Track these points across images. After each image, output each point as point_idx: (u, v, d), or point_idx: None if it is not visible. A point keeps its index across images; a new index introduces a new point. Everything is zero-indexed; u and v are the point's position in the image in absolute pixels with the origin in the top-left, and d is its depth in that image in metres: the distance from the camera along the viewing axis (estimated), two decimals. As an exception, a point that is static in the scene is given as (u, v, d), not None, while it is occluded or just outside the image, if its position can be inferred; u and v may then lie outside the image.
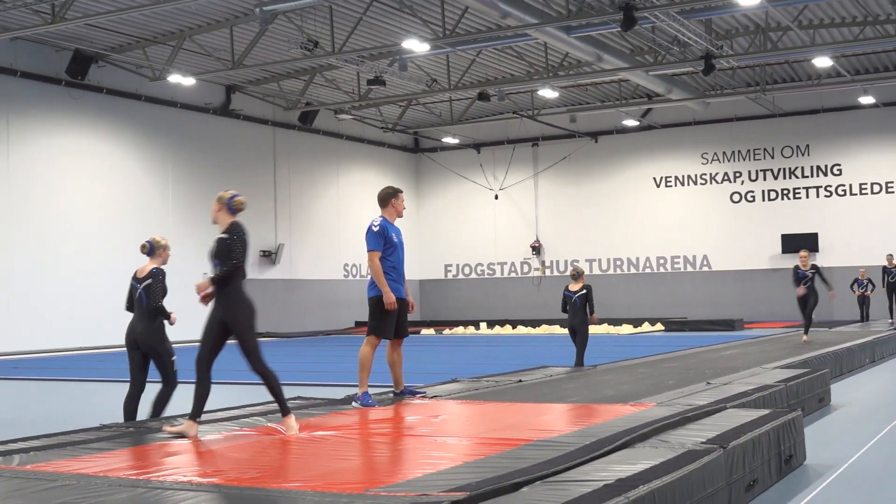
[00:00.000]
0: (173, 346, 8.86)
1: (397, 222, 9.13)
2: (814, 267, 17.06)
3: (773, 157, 33.31)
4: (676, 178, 34.55)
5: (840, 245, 31.95)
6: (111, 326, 23.55)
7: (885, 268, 26.06)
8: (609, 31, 23.88)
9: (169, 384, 8.81)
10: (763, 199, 33.36)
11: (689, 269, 34.20)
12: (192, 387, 7.22)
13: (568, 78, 28.77)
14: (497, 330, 31.94)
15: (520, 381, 10.81)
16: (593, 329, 14.17)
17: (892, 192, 31.58)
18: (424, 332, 31.85)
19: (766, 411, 7.53)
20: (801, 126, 32.76)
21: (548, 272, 36.26)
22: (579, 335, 13.55)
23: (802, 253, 17.34)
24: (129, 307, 8.93)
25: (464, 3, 21.25)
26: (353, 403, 8.67)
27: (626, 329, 29.46)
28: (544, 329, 30.93)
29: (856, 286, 26.80)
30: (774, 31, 25.34)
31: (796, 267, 17.12)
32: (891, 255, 26.44)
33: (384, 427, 7.66)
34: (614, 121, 34.36)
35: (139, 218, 26.54)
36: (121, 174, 26.68)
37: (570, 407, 8.35)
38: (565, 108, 33.67)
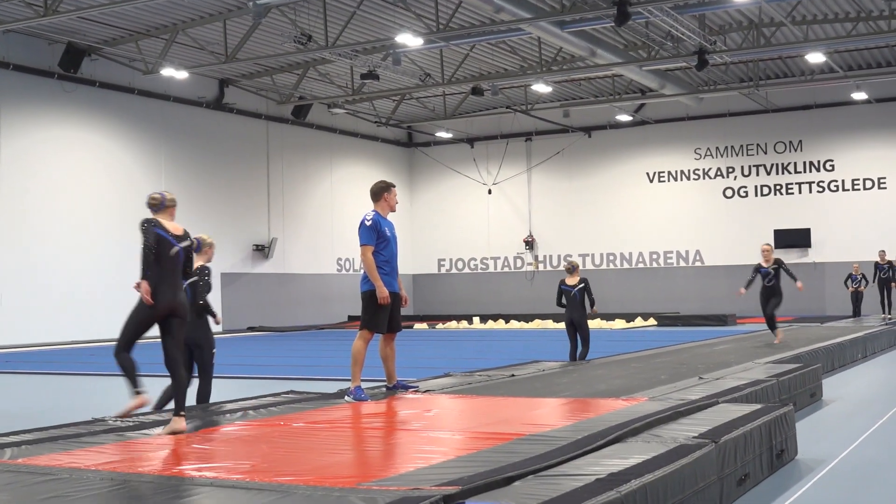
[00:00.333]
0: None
1: (390, 216, 9.13)
2: (777, 262, 15.65)
3: (765, 153, 33.36)
4: (669, 173, 34.59)
5: (832, 241, 32.01)
6: (103, 320, 23.62)
7: (876, 263, 26.12)
8: (603, 26, 23.87)
9: (206, 377, 9.06)
10: (756, 195, 33.42)
11: (682, 264, 34.25)
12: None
13: (561, 73, 28.77)
14: (490, 325, 31.96)
15: (512, 375, 10.82)
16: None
17: (885, 188, 31.65)
18: (417, 326, 31.86)
19: (758, 406, 7.55)
20: (794, 122, 32.81)
21: (541, 267, 36.29)
22: (580, 329, 13.64)
23: (765, 246, 15.93)
24: None
25: (457, -2, 21.24)
26: (346, 398, 8.67)
27: (619, 324, 29.50)
28: (537, 324, 30.96)
29: (849, 282, 26.87)
30: (768, 27, 25.36)
31: (758, 265, 15.69)
32: (882, 251, 26.50)
33: (377, 421, 7.66)
34: (608, 116, 34.37)
35: (131, 211, 26.37)
36: (113, 168, 26.63)
37: (563, 401, 8.36)
38: (559, 103, 33.68)
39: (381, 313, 8.80)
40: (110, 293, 23.83)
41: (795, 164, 32.98)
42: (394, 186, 9.19)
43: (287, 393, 9.51)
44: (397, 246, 9.07)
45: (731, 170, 33.79)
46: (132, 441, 6.63)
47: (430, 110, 35.07)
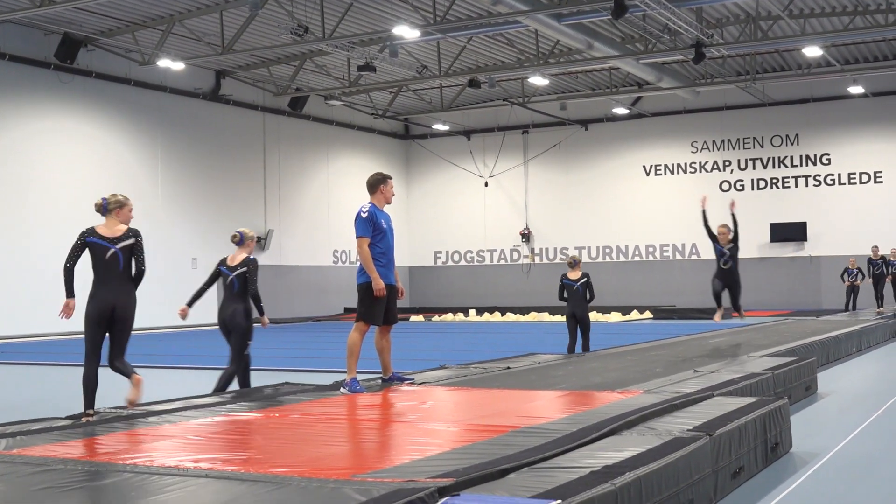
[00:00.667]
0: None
1: (387, 208, 9.12)
2: (732, 241, 14.43)
3: (762, 147, 33.37)
4: (666, 166, 34.60)
5: (828, 234, 32.05)
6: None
7: (870, 259, 26.15)
8: (600, 19, 23.85)
9: (237, 362, 9.43)
10: (752, 188, 33.43)
11: (678, 257, 34.27)
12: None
13: (558, 65, 28.74)
14: (486, 317, 31.99)
15: (508, 368, 10.83)
16: None
17: (881, 182, 31.68)
18: (413, 318, 31.88)
19: (753, 399, 7.56)
20: (791, 115, 32.82)
21: (537, 260, 36.30)
22: (582, 322, 13.79)
23: (721, 227, 14.55)
24: (202, 289, 9.79)
25: (455, -10, 21.19)
26: (342, 389, 8.67)
27: (615, 317, 29.54)
28: (533, 316, 30.99)
29: (846, 275, 26.91)
30: (765, 20, 25.35)
31: (715, 245, 14.60)
32: (875, 246, 26.53)
33: (372, 413, 7.67)
34: (604, 109, 34.35)
35: (128, 203, 26.46)
36: (109, 159, 26.58)
37: (558, 394, 8.37)
38: (556, 96, 33.65)
39: (377, 305, 8.80)
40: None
41: (792, 157, 32.99)
42: (390, 178, 9.18)
43: (283, 384, 9.51)
44: (394, 238, 9.07)
45: (727, 163, 33.81)
46: (126, 432, 6.64)
47: (426, 102, 35.04)
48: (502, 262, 37.01)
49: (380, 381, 9.30)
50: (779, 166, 33.14)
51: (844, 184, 32.21)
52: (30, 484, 4.85)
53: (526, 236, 36.41)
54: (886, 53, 30.15)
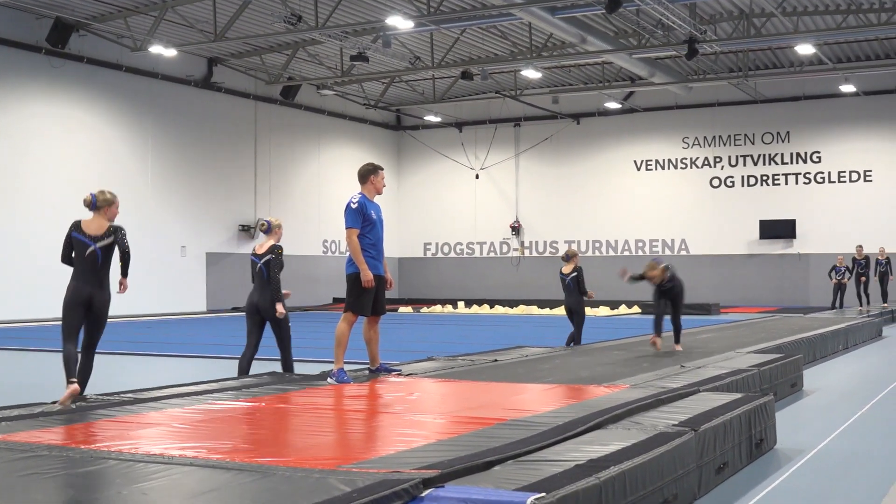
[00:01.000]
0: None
1: (377, 199, 9.10)
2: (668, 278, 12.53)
3: (753, 143, 33.42)
4: (657, 161, 34.63)
5: (817, 232, 32.14)
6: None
7: (854, 258, 26.19)
8: (594, 13, 23.84)
9: (285, 349, 9.86)
10: (742, 185, 33.50)
11: (667, 252, 34.31)
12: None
13: (551, 59, 28.73)
14: (475, 309, 32.00)
15: (495, 360, 10.85)
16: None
17: (870, 181, 31.76)
18: (402, 309, 31.87)
19: (739, 395, 7.59)
20: (782, 113, 32.87)
21: (527, 253, 36.32)
22: (576, 315, 14.11)
23: (651, 272, 12.54)
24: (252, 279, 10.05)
25: (449, -19, 21.15)
26: (329, 380, 8.67)
27: (604, 311, 29.58)
28: (522, 309, 31.02)
29: (833, 273, 26.97)
30: (758, 17, 25.37)
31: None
32: (860, 246, 26.58)
33: (359, 404, 7.67)
34: (596, 103, 34.36)
35: (118, 189, 26.09)
36: (100, 145, 26.49)
37: (545, 387, 8.38)
38: (548, 89, 33.64)
39: (366, 296, 8.79)
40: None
41: (782, 155, 33.05)
42: (381, 169, 9.16)
43: (269, 374, 9.51)
44: (383, 229, 9.06)
45: (718, 159, 33.86)
46: (112, 419, 6.62)
47: (419, 94, 35.00)
48: (492, 254, 37.02)
49: (367, 371, 9.31)
50: (769, 163, 33.20)
51: (834, 182, 32.29)
52: (14, 470, 4.85)
53: (516, 229, 36.42)
54: (878, 52, 30.22)
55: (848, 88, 30.39)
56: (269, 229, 10.05)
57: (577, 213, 35.51)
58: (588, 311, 28.64)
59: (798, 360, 11.09)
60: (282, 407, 7.23)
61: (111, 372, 7.63)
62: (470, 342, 17.50)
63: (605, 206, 35.17)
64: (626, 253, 34.79)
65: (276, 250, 9.81)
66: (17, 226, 24.13)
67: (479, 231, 37.15)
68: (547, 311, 30.05)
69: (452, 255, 37.66)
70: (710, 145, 33.98)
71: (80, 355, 8.06)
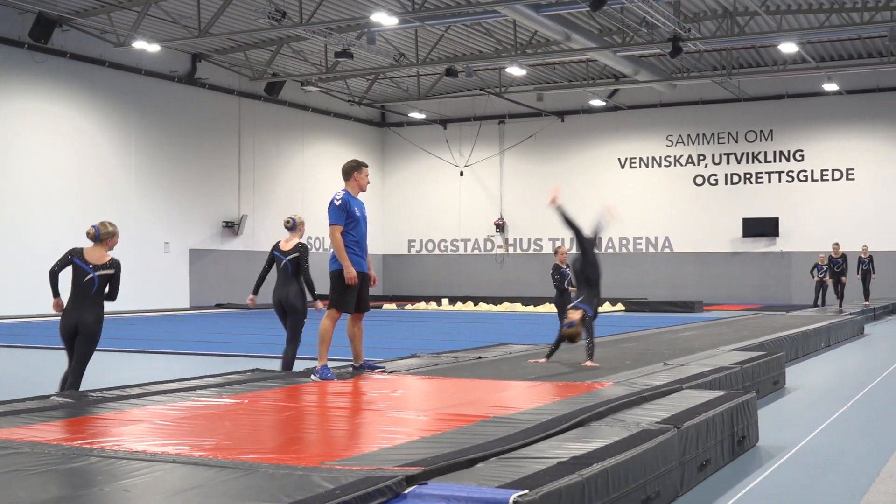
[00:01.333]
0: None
1: (361, 196, 9.09)
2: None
3: (736, 142, 33.54)
4: (641, 159, 34.71)
5: (800, 230, 32.29)
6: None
7: (831, 257, 26.29)
8: (578, 11, 23.88)
9: (294, 342, 9.98)
10: (726, 183, 33.61)
11: (651, 250, 34.43)
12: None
13: (536, 56, 28.75)
14: (459, 306, 32.01)
15: (479, 357, 10.86)
16: (550, 308, 14.79)
17: (853, 180, 31.93)
18: (386, 306, 31.86)
19: (721, 393, 7.61)
20: (766, 111, 33.00)
21: (511, 250, 36.35)
22: (558, 309, 15.08)
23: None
24: (263, 275, 10.53)
25: (433, -22, 21.13)
26: (312, 377, 8.66)
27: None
28: (506, 307, 31.05)
29: (815, 271, 27.05)
30: (742, 16, 25.46)
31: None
32: (836, 244, 26.67)
33: (342, 401, 7.66)
34: (581, 100, 34.42)
35: (100, 185, 26.29)
36: (83, 141, 26.35)
37: (529, 385, 8.39)
38: (532, 87, 33.67)
39: (349, 293, 8.79)
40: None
41: (766, 153, 33.19)
42: (365, 166, 9.15)
43: (253, 371, 9.49)
44: (367, 226, 9.05)
45: (701, 157, 33.97)
46: (94, 416, 6.60)
47: (403, 90, 34.97)
48: (476, 251, 37.03)
49: (351, 368, 9.30)
50: (752, 161, 33.33)
51: (817, 180, 32.44)
52: (-5, 467, 4.82)
53: (500, 226, 36.44)
54: (861, 51, 30.37)
55: (831, 87, 30.53)
56: (294, 226, 10.24)
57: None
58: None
59: (780, 358, 11.14)
60: (265, 404, 7.21)
61: (94, 369, 7.61)
62: (454, 339, 17.51)
63: (589, 204, 34.85)
64: (610, 251, 34.85)
65: (302, 248, 10.04)
66: (-2, 222, 24.01)
67: (463, 228, 37.16)
68: (531, 308, 30.08)
69: (437, 252, 37.66)
70: (693, 143, 34.08)
71: (70, 375, 8.40)
